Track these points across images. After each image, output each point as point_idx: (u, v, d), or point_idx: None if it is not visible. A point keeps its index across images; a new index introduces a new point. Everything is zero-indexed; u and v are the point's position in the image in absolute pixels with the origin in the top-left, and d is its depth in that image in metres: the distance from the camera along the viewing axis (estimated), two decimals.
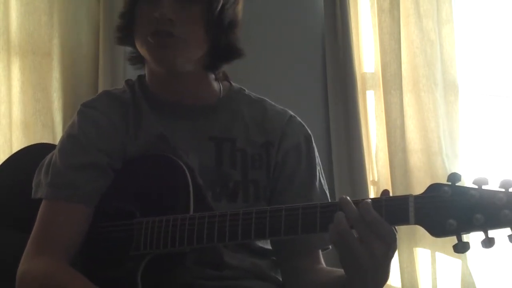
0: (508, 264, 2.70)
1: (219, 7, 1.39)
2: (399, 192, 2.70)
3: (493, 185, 1.06)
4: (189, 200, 1.31)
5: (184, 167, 1.34)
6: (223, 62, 1.47)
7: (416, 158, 2.80)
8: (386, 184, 2.78)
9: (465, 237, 1.10)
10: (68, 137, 1.44)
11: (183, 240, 1.27)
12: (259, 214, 1.23)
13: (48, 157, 1.47)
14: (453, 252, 1.12)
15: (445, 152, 2.76)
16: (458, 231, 1.08)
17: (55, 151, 1.44)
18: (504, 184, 1.05)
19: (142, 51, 1.42)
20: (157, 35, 1.36)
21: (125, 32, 1.45)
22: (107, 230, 1.37)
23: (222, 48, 1.43)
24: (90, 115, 1.45)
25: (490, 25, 2.96)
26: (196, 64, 1.43)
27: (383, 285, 1.20)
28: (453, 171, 2.62)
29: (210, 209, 1.34)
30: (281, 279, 1.48)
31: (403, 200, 1.12)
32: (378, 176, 2.83)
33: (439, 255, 2.72)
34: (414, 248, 2.74)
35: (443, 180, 1.10)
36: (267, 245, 1.48)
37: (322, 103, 2.85)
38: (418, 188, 2.73)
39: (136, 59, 1.49)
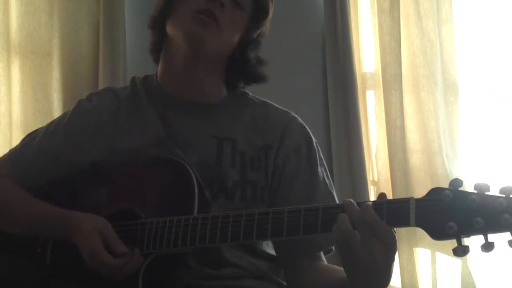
0: (508, 264, 2.70)
1: (264, 19, 1.51)
2: (399, 192, 2.71)
3: (494, 191, 1.07)
4: (194, 202, 1.32)
5: (189, 168, 1.35)
6: (241, 81, 1.54)
7: (416, 158, 2.79)
8: (386, 184, 2.78)
9: (465, 241, 1.10)
10: (57, 123, 1.54)
11: (185, 240, 1.27)
12: (261, 215, 1.23)
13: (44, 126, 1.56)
14: None
15: (445, 152, 2.76)
16: (458, 234, 1.08)
17: (43, 129, 1.55)
18: (505, 191, 1.06)
19: (177, 28, 1.44)
20: (203, 13, 1.40)
21: (163, 12, 1.48)
22: None
23: (244, 66, 1.50)
24: (82, 110, 1.53)
25: (490, 25, 2.96)
26: (216, 67, 1.48)
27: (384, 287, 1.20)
28: (453, 171, 2.67)
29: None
30: (282, 281, 1.48)
31: (404, 203, 1.13)
32: (378, 176, 2.83)
33: (439, 255, 2.72)
34: (414, 248, 2.73)
35: (443, 180, 1.11)
36: (268, 249, 1.48)
37: (322, 103, 2.85)
38: (418, 188, 2.73)
39: (156, 51, 1.53)
